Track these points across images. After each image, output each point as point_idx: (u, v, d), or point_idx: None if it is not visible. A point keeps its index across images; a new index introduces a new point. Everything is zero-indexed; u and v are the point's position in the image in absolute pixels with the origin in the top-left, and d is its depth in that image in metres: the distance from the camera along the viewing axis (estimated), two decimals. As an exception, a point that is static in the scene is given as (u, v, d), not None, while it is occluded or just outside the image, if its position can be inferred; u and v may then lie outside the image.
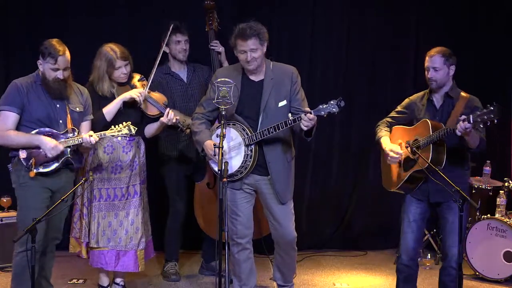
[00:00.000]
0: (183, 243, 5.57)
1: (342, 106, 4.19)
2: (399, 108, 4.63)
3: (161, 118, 4.72)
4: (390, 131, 4.61)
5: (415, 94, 4.61)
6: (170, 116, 4.69)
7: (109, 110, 4.64)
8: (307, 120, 4.19)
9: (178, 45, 5.26)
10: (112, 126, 4.43)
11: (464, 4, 6.34)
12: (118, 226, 4.74)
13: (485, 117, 3.99)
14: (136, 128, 4.49)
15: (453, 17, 6.31)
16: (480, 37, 6.27)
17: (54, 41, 4.29)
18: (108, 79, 4.69)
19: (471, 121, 4.04)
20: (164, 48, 5.24)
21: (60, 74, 4.29)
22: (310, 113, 4.19)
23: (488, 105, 4.01)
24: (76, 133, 4.35)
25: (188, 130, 4.79)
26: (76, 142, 4.32)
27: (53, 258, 4.60)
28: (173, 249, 5.40)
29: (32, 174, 4.26)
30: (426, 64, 4.41)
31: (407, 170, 4.42)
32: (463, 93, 4.46)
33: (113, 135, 4.41)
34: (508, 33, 6.24)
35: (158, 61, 4.94)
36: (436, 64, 4.37)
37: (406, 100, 4.61)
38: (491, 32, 6.26)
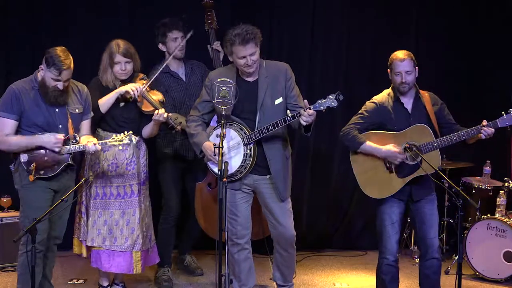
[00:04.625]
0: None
1: (341, 100, 4.21)
2: (365, 114, 4.52)
3: (153, 116, 4.70)
4: None
5: (378, 97, 4.55)
6: (160, 112, 4.66)
7: (104, 102, 4.65)
8: (306, 116, 4.21)
9: (175, 42, 5.23)
10: (114, 135, 4.46)
11: (464, 4, 6.34)
12: (114, 225, 4.73)
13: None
14: (137, 138, 4.53)
15: (453, 17, 6.30)
16: (480, 37, 6.26)
17: (61, 52, 4.23)
18: (111, 72, 4.71)
19: (499, 126, 4.19)
20: (161, 47, 5.24)
21: (60, 85, 4.27)
22: (310, 108, 4.20)
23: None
24: (78, 138, 4.37)
25: (179, 127, 4.78)
26: (78, 150, 4.34)
27: (54, 258, 4.61)
28: (165, 252, 5.28)
29: (31, 178, 4.27)
30: (398, 69, 4.40)
31: (406, 175, 4.40)
32: (423, 92, 4.52)
33: (114, 145, 4.43)
34: (508, 33, 6.23)
35: (163, 66, 4.93)
36: (408, 67, 4.40)
37: (371, 104, 4.53)
38: (491, 32, 6.26)
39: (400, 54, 4.44)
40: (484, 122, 4.23)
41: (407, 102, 4.48)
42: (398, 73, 4.41)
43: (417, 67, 4.46)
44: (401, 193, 4.45)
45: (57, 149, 4.27)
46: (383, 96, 4.54)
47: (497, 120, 4.21)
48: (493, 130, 4.21)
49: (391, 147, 4.41)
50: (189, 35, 5.07)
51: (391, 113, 4.46)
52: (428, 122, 4.41)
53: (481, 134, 4.23)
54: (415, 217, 4.55)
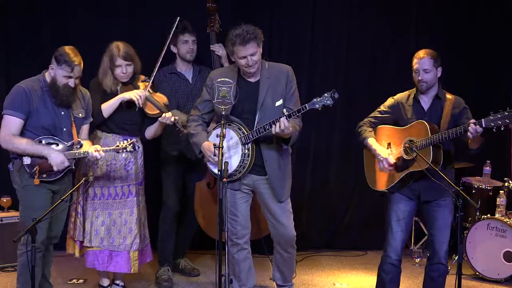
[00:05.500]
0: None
1: (336, 97, 4.22)
2: (382, 108, 4.59)
3: (159, 118, 4.73)
4: (374, 132, 4.58)
5: (399, 94, 4.59)
6: (168, 116, 4.69)
7: (107, 107, 4.67)
8: (281, 124, 4.20)
9: (185, 45, 5.28)
10: (118, 143, 4.49)
11: (464, 4, 6.34)
12: (112, 226, 4.74)
13: (500, 122, 4.03)
14: (140, 146, 4.57)
15: (453, 17, 6.31)
16: (479, 37, 6.27)
17: (69, 50, 4.28)
18: (111, 75, 4.71)
19: (483, 125, 4.07)
20: (172, 48, 5.26)
21: (71, 82, 4.30)
22: (287, 118, 4.19)
23: (501, 110, 4.05)
24: (81, 143, 4.39)
25: (185, 131, 4.80)
26: (82, 156, 4.35)
27: (51, 257, 4.62)
28: (165, 252, 5.32)
29: (36, 182, 4.27)
30: (416, 66, 4.42)
31: (402, 170, 4.41)
32: (448, 95, 4.49)
33: (118, 152, 4.47)
34: (508, 33, 6.24)
35: (160, 61, 4.93)
36: (426, 66, 4.39)
37: (390, 100, 4.58)
38: (491, 32, 6.26)
39: (421, 52, 4.45)
40: (472, 120, 4.19)
41: (426, 101, 4.48)
42: (416, 71, 4.43)
43: (439, 67, 4.43)
44: (410, 192, 4.45)
45: (55, 169, 4.28)
46: (405, 93, 4.57)
47: (482, 119, 4.10)
48: (478, 127, 4.08)
49: (381, 151, 4.44)
50: (177, 21, 5.07)
51: (407, 110, 4.48)
52: (438, 122, 4.39)
53: (469, 133, 4.14)
54: (426, 219, 4.57)
